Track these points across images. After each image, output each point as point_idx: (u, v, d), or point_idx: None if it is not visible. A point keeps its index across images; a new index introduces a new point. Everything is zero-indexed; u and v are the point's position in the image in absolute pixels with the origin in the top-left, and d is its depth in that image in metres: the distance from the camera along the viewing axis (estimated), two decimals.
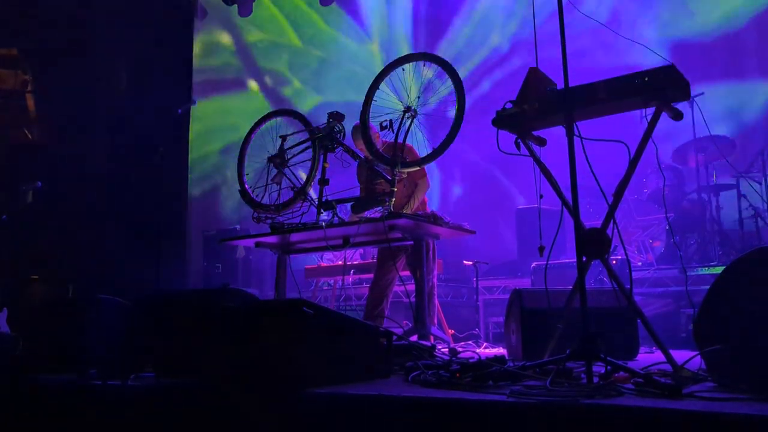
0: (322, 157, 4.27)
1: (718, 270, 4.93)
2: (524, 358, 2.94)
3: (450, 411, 1.80)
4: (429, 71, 3.97)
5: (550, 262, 2.84)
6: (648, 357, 3.20)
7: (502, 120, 2.70)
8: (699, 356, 2.14)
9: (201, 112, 8.79)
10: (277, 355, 2.22)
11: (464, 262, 6.91)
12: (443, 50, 8.95)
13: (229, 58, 10.06)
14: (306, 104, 9.75)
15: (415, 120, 3.92)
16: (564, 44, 2.43)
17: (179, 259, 8.77)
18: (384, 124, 3.99)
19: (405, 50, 9.20)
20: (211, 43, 10.04)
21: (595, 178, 2.40)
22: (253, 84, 10.14)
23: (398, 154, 3.88)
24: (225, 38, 10.06)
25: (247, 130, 4.86)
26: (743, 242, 5.63)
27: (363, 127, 4.21)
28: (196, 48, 9.29)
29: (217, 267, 8.25)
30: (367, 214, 4.12)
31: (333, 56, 9.66)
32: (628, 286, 2.52)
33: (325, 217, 4.11)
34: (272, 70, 10.03)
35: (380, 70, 4.22)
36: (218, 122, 9.48)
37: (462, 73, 3.95)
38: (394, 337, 2.64)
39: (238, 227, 8.39)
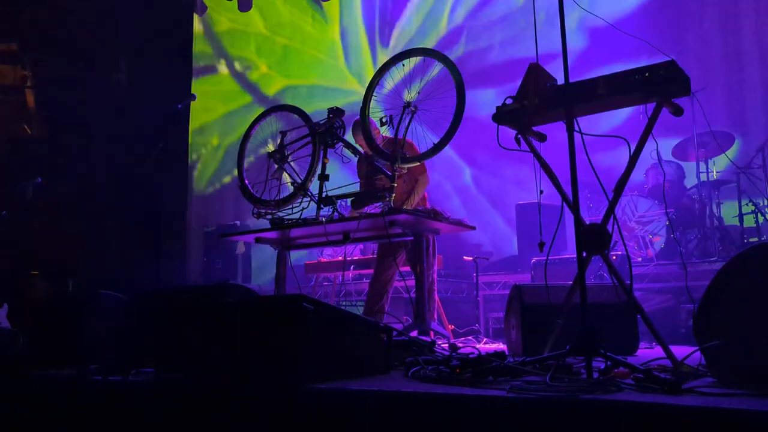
0: (322, 152, 4.27)
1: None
2: (524, 353, 2.93)
3: (450, 406, 1.80)
4: (428, 66, 3.96)
5: (550, 257, 2.84)
6: (648, 352, 3.20)
7: (502, 115, 2.70)
8: (699, 352, 2.14)
9: None
10: (277, 350, 2.23)
11: (464, 257, 6.91)
12: (396, 36, 9.60)
13: (203, 46, 10.63)
14: (272, 88, 10.32)
15: (414, 115, 3.91)
16: (564, 40, 2.43)
17: (179, 255, 8.79)
18: (384, 119, 3.99)
19: (362, 37, 9.86)
20: None
21: (595, 173, 2.39)
22: (223, 68, 10.70)
23: (398, 150, 3.88)
24: (197, 27, 10.61)
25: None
26: (743, 238, 5.63)
27: (363, 123, 4.21)
28: None
29: (217, 263, 8.26)
30: (367, 209, 4.12)
31: (297, 43, 10.27)
32: (628, 282, 2.52)
33: (325, 213, 4.11)
34: (240, 57, 10.64)
35: (379, 65, 4.22)
36: (192, 104, 9.81)
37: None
38: (394, 333, 2.64)
39: (238, 223, 8.41)
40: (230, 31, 10.59)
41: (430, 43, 9.01)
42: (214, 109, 10.28)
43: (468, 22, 9.02)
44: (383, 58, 9.42)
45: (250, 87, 10.42)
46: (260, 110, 4.62)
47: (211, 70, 10.59)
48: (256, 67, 10.48)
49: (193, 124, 10.01)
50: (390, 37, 9.67)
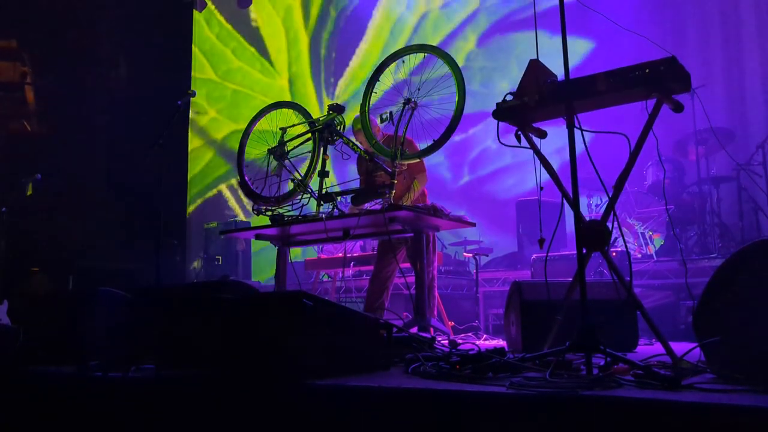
0: (322, 149, 4.26)
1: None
2: (524, 349, 2.94)
3: (450, 403, 1.80)
4: (429, 63, 3.95)
5: (550, 254, 2.84)
6: (647, 349, 3.20)
7: (502, 112, 2.69)
8: (698, 348, 2.14)
9: None
10: (277, 347, 2.23)
11: (464, 254, 6.91)
12: (340, 88, 10.22)
13: None
14: (221, 132, 10.75)
15: (414, 112, 3.90)
16: (564, 37, 2.42)
17: (179, 251, 8.78)
18: (384, 116, 3.98)
19: (309, 86, 10.45)
20: None
21: (595, 170, 2.39)
22: None
23: (398, 146, 3.87)
24: None
25: None
26: (743, 234, 5.64)
27: (363, 119, 4.20)
28: None
29: (217, 259, 8.27)
30: (367, 206, 4.12)
31: (246, 89, 10.79)
32: (628, 278, 2.52)
33: (325, 210, 4.11)
34: (191, 102, 11.00)
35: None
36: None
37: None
38: (394, 329, 2.64)
39: (238, 219, 8.41)
40: None
41: (375, 97, 9.35)
42: None
43: (413, 76, 9.14)
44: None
45: (200, 131, 10.79)
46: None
47: None
48: (205, 111, 10.85)
49: None
50: (335, 87, 10.17)
